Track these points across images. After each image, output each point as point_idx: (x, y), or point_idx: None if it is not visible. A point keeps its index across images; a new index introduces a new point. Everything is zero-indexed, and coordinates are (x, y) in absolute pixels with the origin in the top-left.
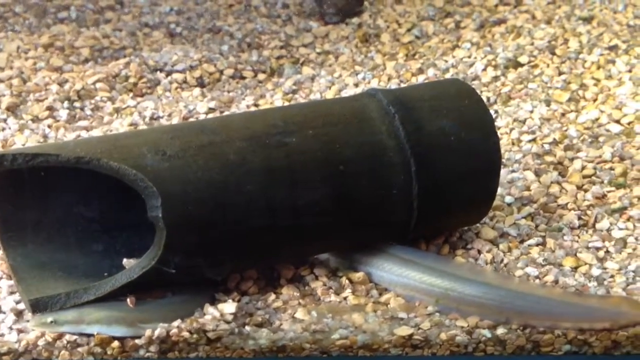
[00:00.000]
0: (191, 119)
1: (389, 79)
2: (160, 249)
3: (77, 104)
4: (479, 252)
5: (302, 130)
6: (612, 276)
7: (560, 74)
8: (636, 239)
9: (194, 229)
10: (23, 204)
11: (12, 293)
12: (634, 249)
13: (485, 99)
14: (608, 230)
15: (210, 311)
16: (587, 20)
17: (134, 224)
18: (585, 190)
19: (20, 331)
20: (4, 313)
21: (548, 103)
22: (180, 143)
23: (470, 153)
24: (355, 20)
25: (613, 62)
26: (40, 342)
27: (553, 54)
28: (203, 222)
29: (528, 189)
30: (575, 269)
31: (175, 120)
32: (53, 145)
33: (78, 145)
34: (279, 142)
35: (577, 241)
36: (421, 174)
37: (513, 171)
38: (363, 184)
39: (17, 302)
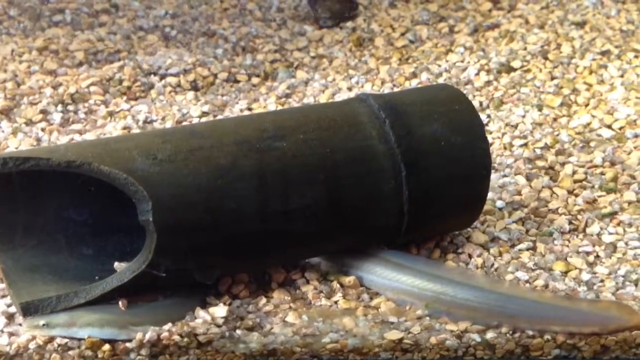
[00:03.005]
0: (184, 123)
1: (383, 83)
2: (151, 253)
3: (70, 108)
4: (470, 256)
5: (293, 134)
6: (601, 281)
7: (552, 78)
8: (626, 243)
9: (184, 232)
10: (14, 207)
11: (3, 296)
12: (624, 254)
13: (477, 104)
14: (598, 234)
15: (201, 315)
16: (580, 25)
17: (126, 227)
18: (576, 195)
19: (11, 334)
20: None
21: (540, 108)
22: (171, 147)
23: (460, 158)
24: (349, 24)
25: (605, 67)
26: (31, 345)
27: (546, 58)
28: (193, 226)
29: (519, 193)
30: (565, 273)
31: (168, 124)
32: (44, 149)
33: (69, 149)
34: (269, 147)
35: (568, 246)
36: (411, 179)
37: (504, 176)
38: (353, 189)
39: (9, 306)
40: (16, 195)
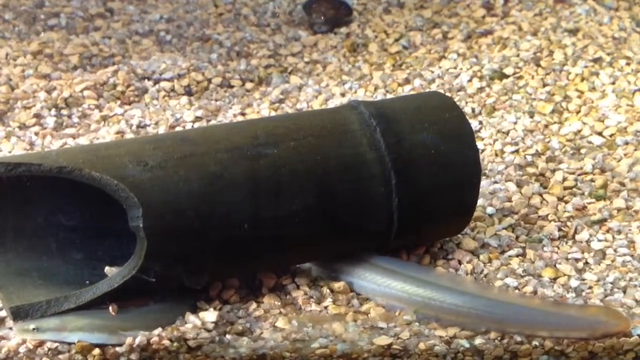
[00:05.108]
0: (178, 128)
1: (376, 89)
2: (141, 259)
3: (64, 112)
4: (460, 262)
5: (284, 142)
6: (590, 287)
7: (544, 85)
8: (615, 250)
9: (174, 239)
10: (4, 211)
11: None
12: (613, 261)
13: (470, 110)
14: (587, 241)
15: (191, 319)
16: (573, 32)
17: (116, 231)
18: (566, 202)
19: (1, 338)
20: None
21: (532, 114)
22: (162, 154)
23: (450, 166)
24: (343, 29)
25: (597, 74)
26: (22, 349)
27: (538, 65)
28: (183, 232)
29: (509, 200)
30: (554, 279)
31: (162, 129)
32: (36, 155)
33: (60, 155)
34: (260, 154)
35: (557, 252)
36: (401, 187)
37: (495, 182)
38: (343, 196)
39: None
40: (6, 199)
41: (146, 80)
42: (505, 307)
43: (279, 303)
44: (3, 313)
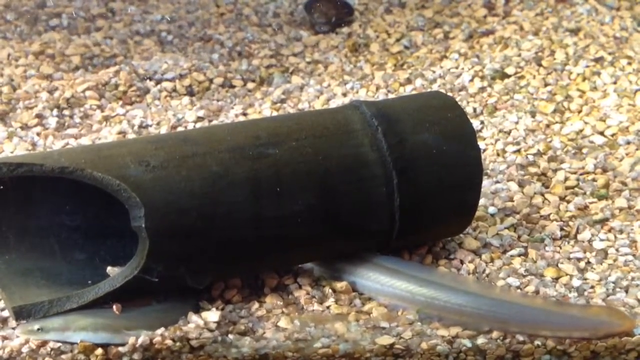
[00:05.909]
0: (180, 128)
1: (377, 89)
2: (143, 259)
3: (66, 112)
4: (462, 262)
5: (286, 142)
6: (592, 287)
7: (546, 85)
8: (617, 250)
9: (176, 239)
10: (6, 211)
11: None
12: (615, 260)
13: (471, 110)
14: (589, 241)
15: (194, 319)
16: (574, 31)
17: (119, 231)
18: (568, 202)
19: (4, 338)
20: None
21: (533, 114)
22: (164, 154)
23: (451, 165)
24: (345, 29)
25: (598, 74)
26: (24, 349)
27: (539, 65)
28: (185, 232)
29: (511, 199)
30: (556, 279)
31: (164, 129)
32: (38, 155)
33: (62, 155)
34: (262, 154)
35: (559, 252)
36: (403, 186)
37: (497, 182)
38: (345, 196)
39: (1, 310)
40: (8, 199)
41: (148, 81)
42: (507, 307)
43: (281, 303)
44: (6, 313)
